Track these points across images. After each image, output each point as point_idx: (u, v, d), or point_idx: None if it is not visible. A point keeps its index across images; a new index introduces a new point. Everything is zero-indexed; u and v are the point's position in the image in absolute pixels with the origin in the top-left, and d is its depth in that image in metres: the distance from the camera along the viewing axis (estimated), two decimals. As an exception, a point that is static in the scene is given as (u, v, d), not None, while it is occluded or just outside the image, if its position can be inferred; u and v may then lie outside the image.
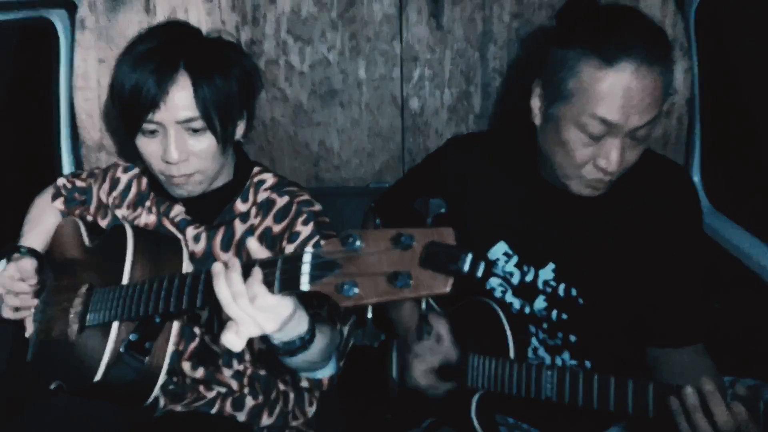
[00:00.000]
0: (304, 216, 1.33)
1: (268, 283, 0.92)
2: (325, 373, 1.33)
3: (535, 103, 1.28)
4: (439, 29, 1.88)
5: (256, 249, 0.99)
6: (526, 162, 1.36)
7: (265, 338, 1.04)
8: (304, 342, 1.06)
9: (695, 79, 1.82)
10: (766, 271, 1.50)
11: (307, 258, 0.86)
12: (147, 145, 1.28)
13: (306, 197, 1.37)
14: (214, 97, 1.24)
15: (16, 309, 1.45)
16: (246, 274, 0.95)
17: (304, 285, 0.85)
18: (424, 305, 1.40)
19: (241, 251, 1.34)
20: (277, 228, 1.34)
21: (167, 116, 1.23)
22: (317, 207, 1.36)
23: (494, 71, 1.90)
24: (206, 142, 1.27)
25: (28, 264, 1.44)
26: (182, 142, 1.25)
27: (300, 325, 1.05)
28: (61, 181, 1.61)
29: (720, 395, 1.07)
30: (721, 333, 1.39)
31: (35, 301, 1.47)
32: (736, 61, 1.80)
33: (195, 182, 1.31)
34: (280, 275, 0.90)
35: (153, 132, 1.26)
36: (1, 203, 1.86)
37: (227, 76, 1.27)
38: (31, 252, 1.49)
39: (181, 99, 1.22)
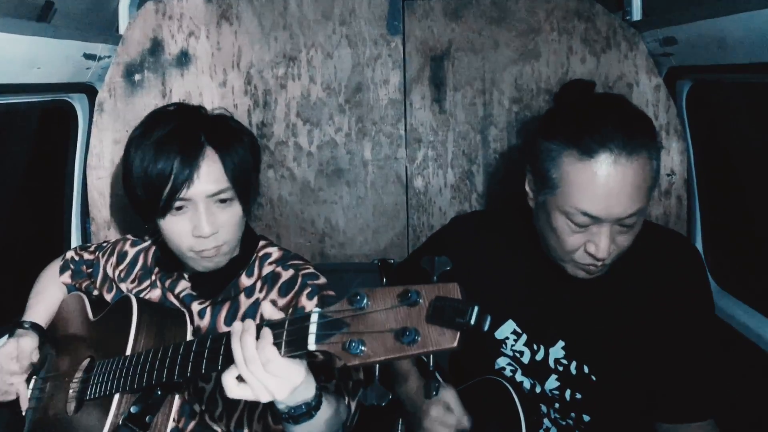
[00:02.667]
0: (309, 290, 1.32)
1: (276, 345, 0.91)
2: None
3: (528, 188, 1.30)
4: (442, 113, 1.96)
5: (271, 312, 0.99)
6: (530, 240, 1.37)
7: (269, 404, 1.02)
8: (310, 408, 1.03)
9: (691, 159, 1.88)
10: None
11: (314, 318, 0.86)
12: (175, 224, 1.27)
13: (310, 270, 1.37)
14: (239, 166, 1.28)
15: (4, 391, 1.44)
16: (257, 336, 0.94)
17: (311, 344, 0.84)
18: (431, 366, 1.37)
19: None
20: (282, 301, 1.33)
21: (198, 191, 1.24)
22: (322, 280, 1.36)
23: (495, 152, 1.97)
24: (234, 211, 1.29)
25: (29, 343, 1.43)
26: (212, 215, 1.26)
27: (307, 390, 1.02)
28: (69, 254, 1.63)
29: None
30: (730, 410, 1.35)
31: (23, 386, 1.44)
32: (729, 141, 1.86)
33: (223, 253, 1.31)
34: (287, 336, 0.89)
35: (180, 209, 1.26)
36: (8, 277, 1.87)
37: (242, 145, 1.31)
38: (34, 327, 1.48)
39: (211, 173, 1.25)
